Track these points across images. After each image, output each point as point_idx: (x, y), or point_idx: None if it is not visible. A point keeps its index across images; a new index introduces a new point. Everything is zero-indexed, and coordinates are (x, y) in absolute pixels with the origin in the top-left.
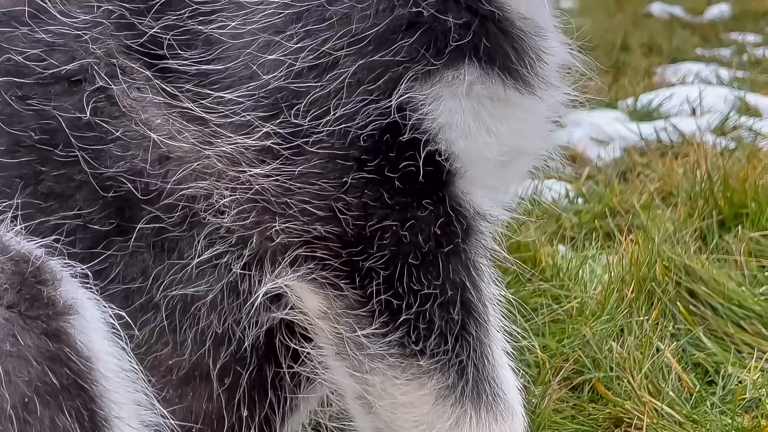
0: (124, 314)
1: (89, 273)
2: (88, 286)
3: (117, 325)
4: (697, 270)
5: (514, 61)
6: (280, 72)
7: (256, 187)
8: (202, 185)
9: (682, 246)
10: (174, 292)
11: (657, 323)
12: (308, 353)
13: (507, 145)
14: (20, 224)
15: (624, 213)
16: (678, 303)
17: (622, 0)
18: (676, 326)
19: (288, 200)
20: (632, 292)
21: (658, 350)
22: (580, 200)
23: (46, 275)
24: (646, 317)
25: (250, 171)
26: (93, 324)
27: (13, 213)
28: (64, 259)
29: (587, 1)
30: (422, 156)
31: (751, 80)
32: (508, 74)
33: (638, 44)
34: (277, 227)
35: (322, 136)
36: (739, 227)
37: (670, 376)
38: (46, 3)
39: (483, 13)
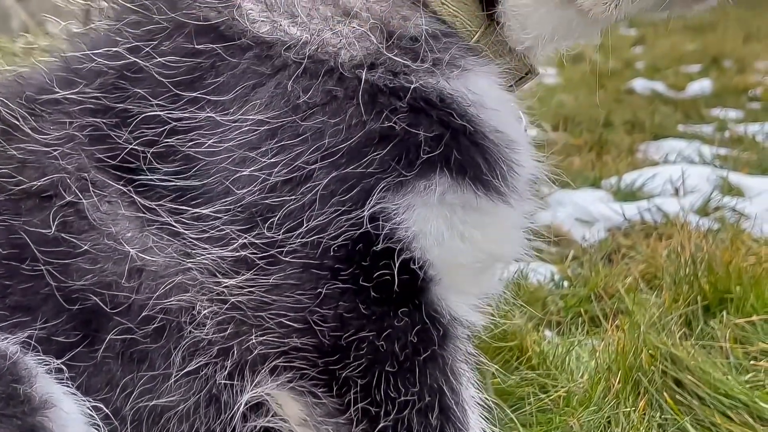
0: (102, 406)
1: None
2: (64, 381)
3: (96, 416)
4: (683, 359)
5: (486, 172)
6: (254, 187)
7: (233, 300)
8: (183, 297)
9: (668, 333)
10: (143, 403)
11: (644, 414)
12: None
13: (482, 252)
14: None
15: (609, 297)
16: (665, 393)
17: (604, 76)
18: (663, 416)
19: (264, 314)
20: (619, 382)
21: None
22: (565, 283)
23: (22, 372)
24: (633, 408)
25: (226, 282)
26: (72, 415)
27: None
28: (39, 354)
29: (570, 76)
30: (397, 264)
31: (733, 159)
32: (480, 184)
33: (621, 121)
34: (255, 340)
35: (296, 246)
36: (724, 312)
37: None
38: (18, 120)
39: (455, 126)
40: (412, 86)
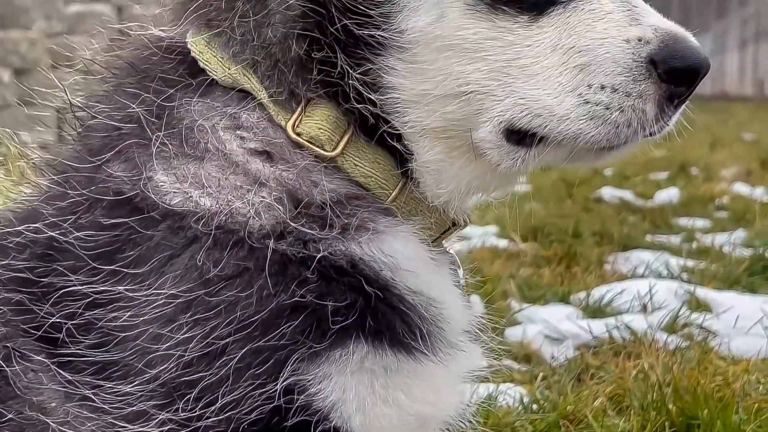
0: None
1: None
2: None
3: None
4: None
5: (405, 335)
6: (171, 364)
7: None
8: None
9: None
10: None
11: None
12: None
13: (410, 414)
14: None
15: (577, 424)
16: None
17: (573, 184)
18: None
19: None
20: None
21: None
22: (534, 406)
23: None
24: None
25: None
26: None
27: None
28: None
29: (540, 184)
30: None
31: (700, 272)
32: (400, 346)
33: (590, 232)
34: None
35: (213, 422)
36: None
37: None
38: None
39: (368, 291)
40: (321, 255)
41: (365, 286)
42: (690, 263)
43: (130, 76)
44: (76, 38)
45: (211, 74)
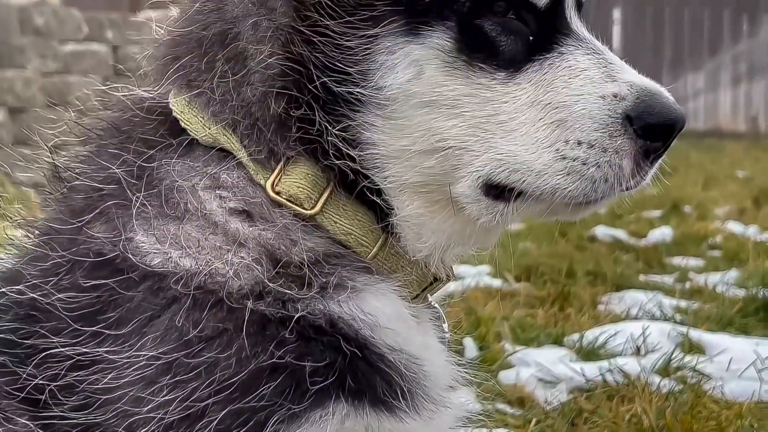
0: None
1: None
2: None
3: None
4: None
5: (386, 393)
6: (152, 426)
7: None
8: None
9: None
10: None
11: None
12: None
13: None
14: None
15: None
16: None
17: (566, 224)
18: None
19: None
20: None
21: None
22: None
23: None
24: None
25: None
26: None
27: None
28: None
29: (533, 224)
30: None
31: (694, 313)
32: (382, 405)
33: (583, 271)
34: None
35: None
36: None
37: None
38: None
39: (347, 351)
40: (299, 315)
41: (344, 345)
42: (683, 304)
43: (113, 137)
44: (72, 77)
45: (192, 134)
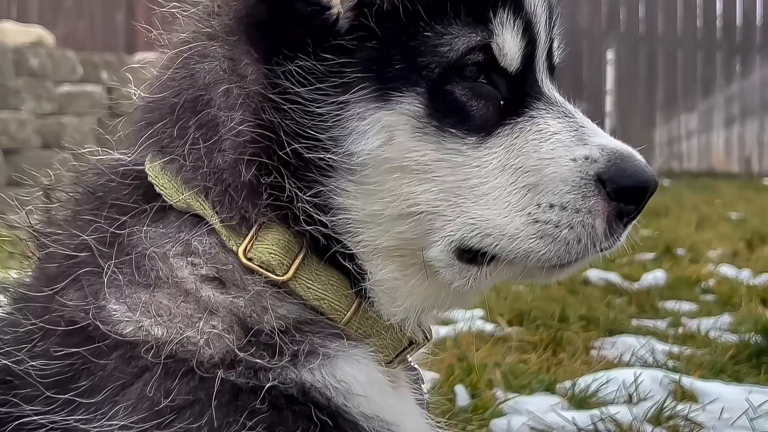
0: None
1: None
2: None
3: None
4: None
5: None
6: None
7: None
8: None
9: None
10: None
11: None
12: None
13: None
14: None
15: None
16: None
17: None
18: None
19: None
20: None
21: None
22: None
23: None
24: None
25: None
26: None
27: None
28: None
29: None
30: None
31: (686, 359)
32: None
33: (576, 316)
34: None
35: None
36: None
37: None
38: None
39: (320, 420)
40: (271, 384)
41: (317, 414)
42: (676, 349)
43: (87, 202)
44: (66, 118)
45: (166, 199)
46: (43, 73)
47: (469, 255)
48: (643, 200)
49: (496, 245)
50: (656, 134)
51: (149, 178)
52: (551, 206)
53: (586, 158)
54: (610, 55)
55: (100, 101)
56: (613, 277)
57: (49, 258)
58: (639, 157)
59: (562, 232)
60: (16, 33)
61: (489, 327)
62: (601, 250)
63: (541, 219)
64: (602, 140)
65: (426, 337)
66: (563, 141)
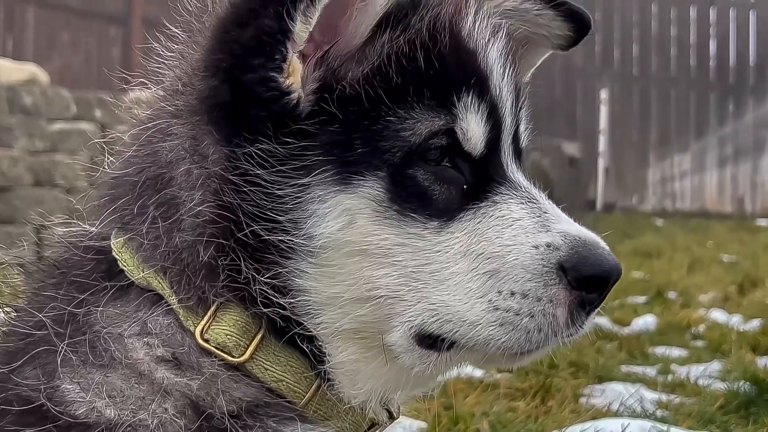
0: None
1: None
2: None
3: None
4: None
5: None
6: None
7: None
8: None
9: None
10: None
11: None
12: None
13: None
14: None
15: None
16: None
17: None
18: None
19: None
20: None
21: None
22: None
23: None
24: None
25: None
26: None
27: None
28: None
29: None
30: None
31: (675, 408)
32: None
33: (565, 362)
34: None
35: None
36: None
37: None
38: None
39: None
40: None
41: None
42: (665, 398)
43: (50, 277)
44: (59, 156)
45: (129, 275)
46: (37, 111)
47: (429, 340)
48: (606, 289)
49: (456, 332)
50: (649, 174)
51: (113, 253)
52: (512, 294)
53: (549, 246)
54: (603, 94)
55: (93, 139)
56: (604, 321)
57: (11, 334)
58: (602, 244)
59: (522, 321)
60: (10, 71)
61: (478, 373)
62: (563, 339)
63: (502, 306)
64: (565, 227)
65: (391, 416)
66: (525, 227)
